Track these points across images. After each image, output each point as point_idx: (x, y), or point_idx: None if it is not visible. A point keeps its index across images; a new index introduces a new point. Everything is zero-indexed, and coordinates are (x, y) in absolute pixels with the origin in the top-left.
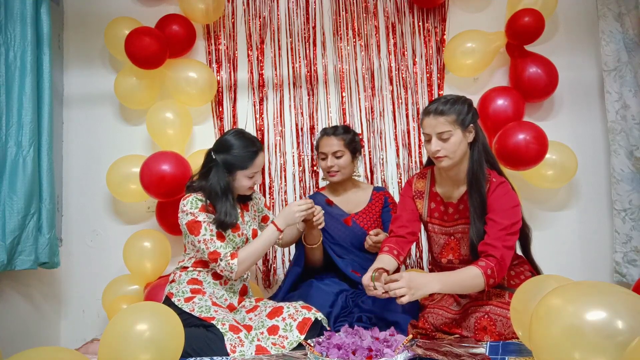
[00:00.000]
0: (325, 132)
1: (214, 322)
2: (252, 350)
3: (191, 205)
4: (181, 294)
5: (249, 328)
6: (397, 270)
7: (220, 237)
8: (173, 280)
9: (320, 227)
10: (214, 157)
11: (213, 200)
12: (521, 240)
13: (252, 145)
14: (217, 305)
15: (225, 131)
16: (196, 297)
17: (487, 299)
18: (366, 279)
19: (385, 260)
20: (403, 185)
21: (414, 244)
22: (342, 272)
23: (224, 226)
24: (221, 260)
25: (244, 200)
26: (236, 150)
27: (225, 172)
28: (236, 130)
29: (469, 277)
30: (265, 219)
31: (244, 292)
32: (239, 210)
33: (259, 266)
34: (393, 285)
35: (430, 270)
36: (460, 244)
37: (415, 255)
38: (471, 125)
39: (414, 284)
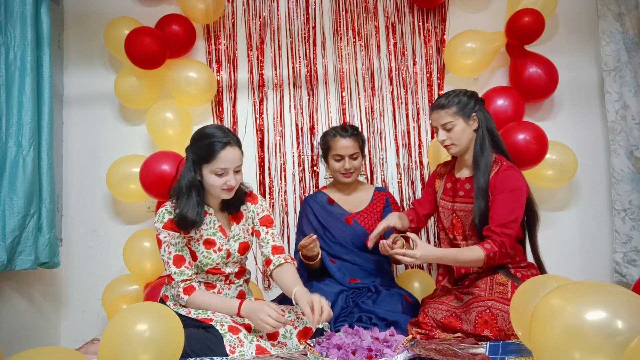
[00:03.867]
0: (339, 133)
1: (212, 323)
2: (252, 350)
3: (158, 218)
4: (176, 298)
5: (248, 328)
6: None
7: (178, 261)
8: (168, 283)
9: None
10: (185, 152)
11: (180, 198)
12: (528, 226)
13: (220, 137)
14: None
15: None
16: None
17: (488, 295)
18: (385, 242)
19: (399, 217)
20: (403, 186)
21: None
22: (343, 271)
23: (185, 224)
24: (173, 287)
25: (233, 209)
26: (202, 142)
27: (192, 168)
28: (215, 124)
29: (471, 258)
30: (257, 234)
31: (241, 297)
32: (217, 222)
33: (259, 266)
34: (409, 252)
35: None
36: (464, 223)
37: None
38: (473, 114)
39: (423, 253)
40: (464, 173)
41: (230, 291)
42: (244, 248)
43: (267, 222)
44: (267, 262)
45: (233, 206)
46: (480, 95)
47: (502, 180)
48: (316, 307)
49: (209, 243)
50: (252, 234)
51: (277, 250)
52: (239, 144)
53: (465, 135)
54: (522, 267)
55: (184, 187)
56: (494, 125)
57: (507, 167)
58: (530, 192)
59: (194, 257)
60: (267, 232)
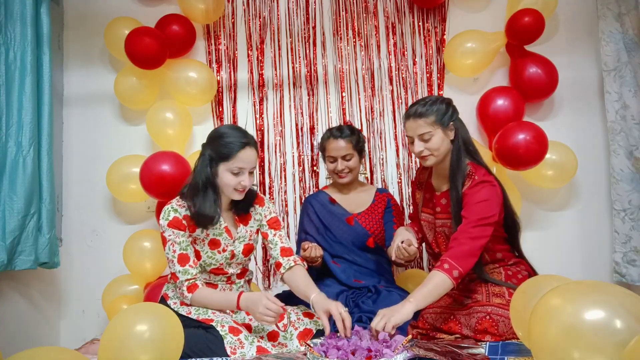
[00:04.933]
0: (332, 134)
1: (213, 323)
2: (252, 351)
3: (163, 215)
4: (177, 297)
5: (249, 328)
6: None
7: (182, 260)
8: (171, 281)
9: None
10: (202, 150)
11: (194, 195)
12: (511, 237)
13: (240, 137)
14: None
15: None
16: None
17: (487, 301)
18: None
19: (409, 232)
20: (403, 186)
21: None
22: (347, 272)
23: (203, 220)
24: (177, 286)
25: (242, 210)
26: (221, 140)
27: (209, 165)
28: (231, 124)
29: (435, 282)
30: (265, 236)
31: None
32: (224, 223)
33: (259, 266)
34: (372, 323)
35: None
36: (447, 237)
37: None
38: (451, 123)
39: (388, 311)
40: (440, 187)
41: (231, 291)
42: (249, 250)
43: (275, 223)
44: (277, 265)
45: (243, 207)
46: (480, 95)
47: (470, 196)
48: (335, 316)
49: (214, 244)
50: (257, 233)
51: (286, 252)
52: (256, 146)
53: (444, 145)
54: (511, 264)
55: (200, 183)
56: (468, 134)
57: (478, 181)
58: (510, 203)
59: (198, 256)
60: (274, 234)
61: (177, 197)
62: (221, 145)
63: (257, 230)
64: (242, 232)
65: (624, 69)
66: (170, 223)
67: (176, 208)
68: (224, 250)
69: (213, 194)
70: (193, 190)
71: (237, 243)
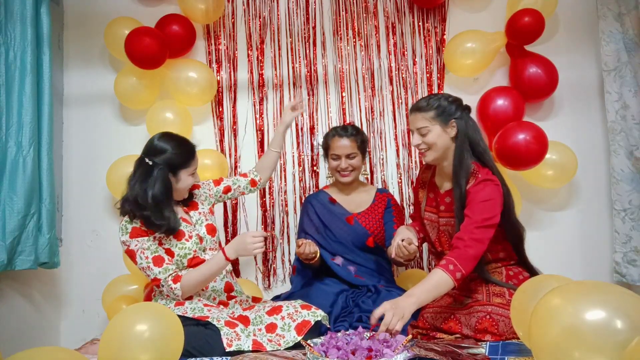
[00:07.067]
0: (337, 132)
1: (209, 319)
2: (248, 344)
3: (122, 233)
4: (169, 302)
5: (246, 322)
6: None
7: (157, 261)
8: (156, 290)
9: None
10: (150, 162)
11: (155, 208)
12: (514, 241)
13: (188, 142)
14: (209, 305)
15: (154, 135)
16: (185, 302)
17: (487, 300)
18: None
19: (409, 231)
20: (403, 186)
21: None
22: (348, 268)
23: (173, 232)
24: (162, 285)
25: (186, 201)
26: (175, 150)
27: (169, 174)
28: (161, 133)
29: (437, 281)
30: (227, 189)
31: (229, 289)
32: (179, 215)
33: (259, 266)
34: (386, 320)
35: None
36: (450, 236)
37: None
38: (452, 121)
39: (396, 305)
40: (443, 185)
41: (216, 284)
42: (211, 229)
43: (219, 180)
44: (252, 182)
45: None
46: (480, 95)
47: (474, 195)
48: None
49: (179, 235)
50: (211, 212)
51: (243, 174)
52: None
53: (441, 142)
54: (512, 264)
55: (164, 196)
56: (477, 134)
57: (481, 179)
58: (513, 210)
59: (170, 254)
60: (227, 180)
61: (126, 217)
62: (177, 154)
63: (210, 209)
64: (197, 217)
65: (624, 69)
66: (131, 234)
67: (129, 220)
68: (190, 237)
69: (172, 202)
70: (155, 204)
71: (197, 226)
